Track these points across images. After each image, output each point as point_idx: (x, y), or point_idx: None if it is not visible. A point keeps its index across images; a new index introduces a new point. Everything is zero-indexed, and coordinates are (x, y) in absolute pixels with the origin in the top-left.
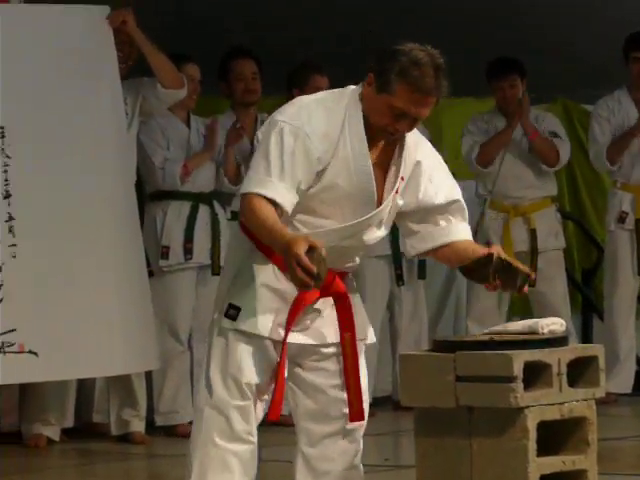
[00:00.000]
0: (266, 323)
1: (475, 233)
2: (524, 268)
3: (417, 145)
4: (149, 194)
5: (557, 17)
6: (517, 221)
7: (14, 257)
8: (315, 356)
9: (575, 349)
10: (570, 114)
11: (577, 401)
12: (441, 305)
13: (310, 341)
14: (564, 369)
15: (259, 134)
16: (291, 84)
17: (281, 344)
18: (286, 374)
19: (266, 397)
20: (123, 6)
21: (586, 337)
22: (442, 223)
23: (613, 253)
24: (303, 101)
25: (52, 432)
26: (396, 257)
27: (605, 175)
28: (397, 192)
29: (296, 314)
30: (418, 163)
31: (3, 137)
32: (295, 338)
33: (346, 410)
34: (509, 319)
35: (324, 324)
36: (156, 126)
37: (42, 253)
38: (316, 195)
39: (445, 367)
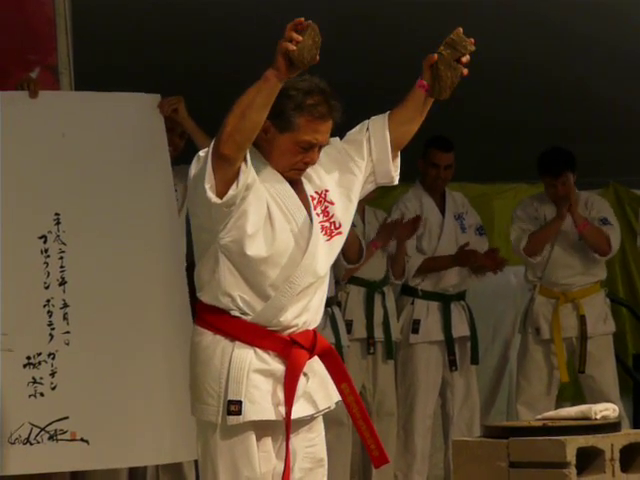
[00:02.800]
0: (268, 406)
1: (525, 319)
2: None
3: (317, 170)
4: None
5: (612, 100)
6: (566, 307)
7: (67, 344)
8: (307, 425)
9: (628, 435)
10: (622, 199)
11: None
12: (494, 390)
13: (308, 412)
14: (617, 455)
15: (190, 209)
16: None
17: (283, 423)
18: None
19: None
20: (174, 95)
21: (637, 422)
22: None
23: None
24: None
25: None
26: (449, 342)
27: None
28: (315, 209)
29: (294, 386)
30: (310, 177)
31: (59, 224)
32: (295, 414)
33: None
34: (559, 404)
35: (315, 390)
36: None
37: (94, 340)
38: (264, 255)
39: (498, 453)
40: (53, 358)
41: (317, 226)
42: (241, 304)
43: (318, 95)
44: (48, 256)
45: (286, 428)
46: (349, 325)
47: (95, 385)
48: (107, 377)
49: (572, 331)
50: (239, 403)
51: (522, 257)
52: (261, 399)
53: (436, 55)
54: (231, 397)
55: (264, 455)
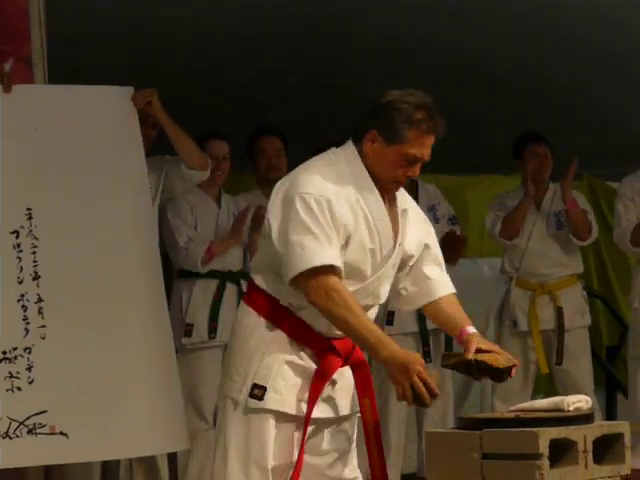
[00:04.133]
0: (292, 400)
1: (501, 311)
2: (504, 361)
3: (400, 193)
4: (177, 271)
5: (585, 91)
6: (543, 299)
7: (43, 338)
8: (321, 434)
9: (601, 426)
10: (596, 192)
11: (603, 478)
12: (467, 383)
13: (327, 414)
14: (590, 446)
15: (269, 216)
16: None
17: (302, 419)
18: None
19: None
20: (147, 87)
21: (610, 414)
22: (417, 276)
23: (637, 330)
24: (308, 170)
25: None
26: (423, 334)
27: (631, 252)
28: (400, 244)
29: (321, 387)
30: (404, 212)
31: (31, 218)
32: (315, 413)
33: None
34: (533, 397)
35: (340, 395)
36: (185, 204)
37: (71, 334)
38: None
39: (471, 445)
40: (29, 352)
41: (398, 252)
42: (292, 299)
43: (426, 110)
44: (21, 251)
45: (304, 426)
46: None
47: (73, 378)
48: (85, 370)
49: (549, 323)
50: (264, 389)
51: (499, 242)
52: (286, 391)
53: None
54: (258, 381)
55: (282, 446)
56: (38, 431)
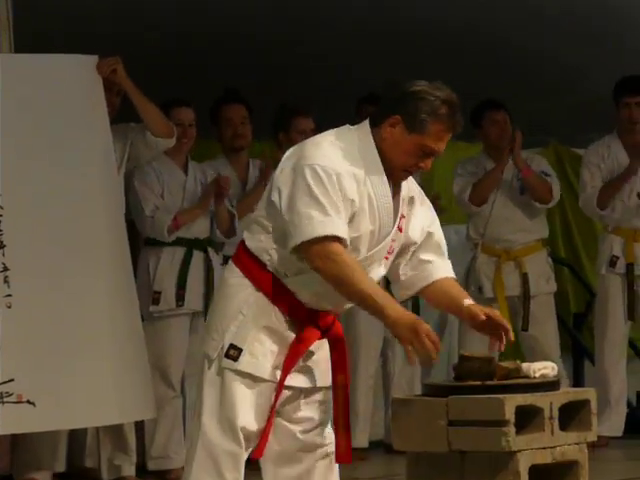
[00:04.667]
0: (267, 365)
1: (467, 277)
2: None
3: (408, 180)
4: (143, 239)
5: (557, 57)
6: (509, 265)
7: (9, 307)
8: (296, 402)
9: (567, 393)
10: (562, 159)
11: (569, 445)
12: None
13: (302, 384)
14: (556, 413)
15: (278, 184)
16: (276, 128)
17: (275, 385)
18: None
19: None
20: (111, 55)
21: (577, 381)
22: (417, 261)
23: (604, 297)
24: (320, 143)
25: (44, 477)
26: None
27: (597, 220)
28: (400, 230)
29: (297, 357)
30: (411, 199)
31: None
32: (289, 381)
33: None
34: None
35: (316, 366)
36: (151, 172)
37: (37, 303)
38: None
39: (437, 411)
40: None
41: (395, 238)
42: (279, 266)
43: (451, 106)
44: None
45: (276, 394)
46: None
47: (39, 347)
48: (51, 339)
49: (514, 289)
50: (239, 350)
51: (466, 208)
52: (262, 356)
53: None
54: (234, 341)
55: (259, 408)
56: (5, 400)
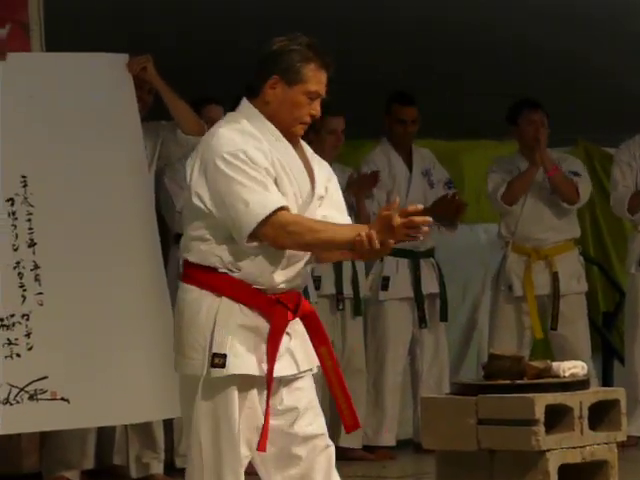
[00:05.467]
0: (253, 361)
1: (497, 275)
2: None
3: (318, 160)
4: (173, 235)
5: (584, 58)
6: (539, 264)
7: (41, 305)
8: (278, 393)
9: (597, 392)
10: (592, 157)
11: (598, 444)
12: (463, 348)
13: (289, 371)
14: (586, 412)
15: (194, 189)
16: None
17: (264, 379)
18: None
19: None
20: (142, 54)
21: (606, 381)
22: (320, 217)
23: (634, 296)
24: (214, 134)
25: (73, 474)
26: (418, 299)
27: (627, 218)
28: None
29: (278, 344)
30: (312, 155)
31: (26, 186)
32: (276, 371)
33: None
34: None
35: (297, 350)
36: (182, 169)
37: (69, 300)
38: None
39: (467, 410)
40: (27, 319)
41: (318, 191)
42: (229, 263)
43: (317, 48)
44: (16, 218)
45: (267, 385)
46: (317, 281)
47: (72, 344)
48: (84, 336)
49: (544, 289)
50: (224, 356)
51: (499, 207)
52: (245, 354)
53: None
54: (216, 350)
55: (249, 412)
56: (39, 397)
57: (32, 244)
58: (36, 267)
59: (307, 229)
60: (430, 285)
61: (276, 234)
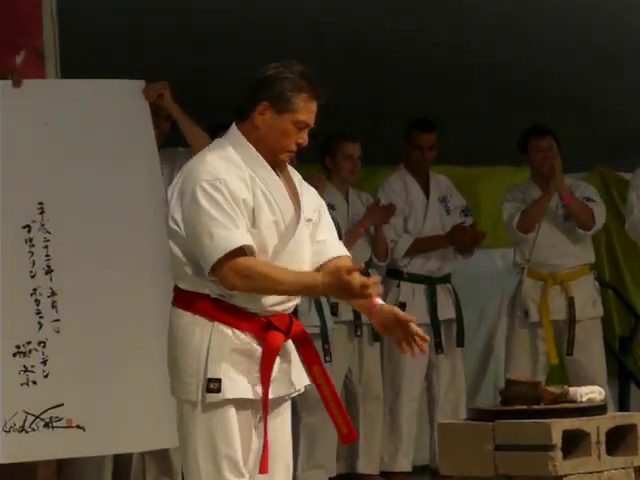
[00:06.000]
0: (247, 385)
1: (513, 301)
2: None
3: (307, 187)
4: None
5: (601, 83)
6: (555, 289)
7: (58, 332)
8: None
9: (614, 417)
10: (607, 182)
11: (616, 469)
12: (480, 374)
13: (284, 391)
14: (603, 437)
15: (172, 215)
16: (323, 153)
17: (258, 402)
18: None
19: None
20: (159, 79)
21: (623, 405)
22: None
23: None
24: (198, 160)
25: None
26: (435, 325)
27: None
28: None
29: (271, 367)
30: (300, 180)
31: (42, 213)
32: (273, 392)
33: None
34: None
35: (290, 371)
36: None
37: (86, 328)
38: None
39: (484, 436)
40: (44, 346)
41: (305, 211)
42: (218, 289)
43: (309, 78)
44: (33, 245)
45: (263, 407)
46: (335, 307)
47: (89, 372)
48: (100, 364)
49: (560, 314)
50: (219, 381)
51: (514, 235)
52: (240, 378)
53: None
54: (211, 375)
55: (244, 434)
56: (55, 424)
57: (49, 271)
58: (53, 294)
59: (262, 276)
60: (447, 311)
61: (229, 277)
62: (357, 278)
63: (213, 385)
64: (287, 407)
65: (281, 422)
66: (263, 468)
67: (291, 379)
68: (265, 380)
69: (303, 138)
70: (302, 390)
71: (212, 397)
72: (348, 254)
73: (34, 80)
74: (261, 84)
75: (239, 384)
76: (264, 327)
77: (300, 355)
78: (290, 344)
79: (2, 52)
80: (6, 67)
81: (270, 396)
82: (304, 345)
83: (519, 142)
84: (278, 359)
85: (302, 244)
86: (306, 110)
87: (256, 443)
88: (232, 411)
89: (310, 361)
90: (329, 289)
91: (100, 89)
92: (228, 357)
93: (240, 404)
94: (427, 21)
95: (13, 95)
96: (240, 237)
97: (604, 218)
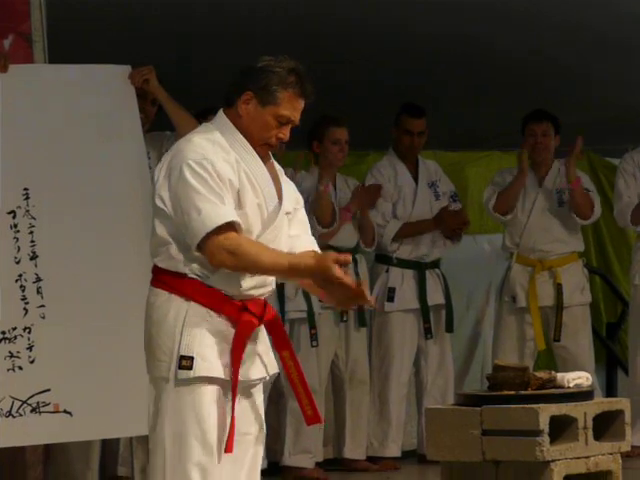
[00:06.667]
0: (219, 365)
1: (501, 286)
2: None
3: (287, 180)
4: None
5: (589, 69)
6: (543, 275)
7: (43, 318)
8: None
9: (601, 403)
10: (595, 168)
11: (603, 455)
12: (468, 359)
13: (257, 375)
14: (590, 423)
15: (160, 192)
16: (311, 137)
17: (229, 383)
18: None
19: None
20: (146, 64)
21: (610, 391)
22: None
23: (638, 307)
24: (186, 140)
25: None
26: (424, 310)
27: (630, 229)
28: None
29: (242, 349)
30: (280, 171)
31: (28, 198)
32: (243, 374)
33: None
34: None
35: (263, 355)
36: None
37: (71, 313)
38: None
39: (471, 421)
40: (29, 332)
41: (285, 202)
42: (197, 269)
43: (299, 75)
44: (18, 231)
45: (232, 389)
46: None
47: (75, 357)
48: (86, 349)
49: (548, 300)
50: (191, 359)
51: (494, 217)
52: (212, 357)
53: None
54: (183, 352)
55: (218, 413)
56: (42, 410)
57: (34, 257)
58: (38, 280)
59: (249, 255)
60: (436, 296)
61: (216, 253)
62: (338, 269)
63: (185, 362)
64: (258, 390)
65: (251, 405)
66: (228, 447)
67: (264, 363)
68: (235, 361)
69: (284, 134)
70: (274, 375)
71: (183, 374)
72: (318, 249)
73: (20, 65)
74: (249, 74)
75: (211, 363)
76: (239, 310)
77: (272, 339)
78: (262, 329)
79: None
80: None
81: (240, 378)
82: (276, 330)
83: (522, 125)
84: (251, 343)
85: (281, 232)
86: (289, 106)
87: (225, 423)
88: (203, 389)
89: (280, 346)
90: (310, 270)
91: (86, 74)
92: (202, 336)
93: (212, 383)
94: (416, 6)
95: (0, 80)
96: (229, 213)
97: (600, 209)
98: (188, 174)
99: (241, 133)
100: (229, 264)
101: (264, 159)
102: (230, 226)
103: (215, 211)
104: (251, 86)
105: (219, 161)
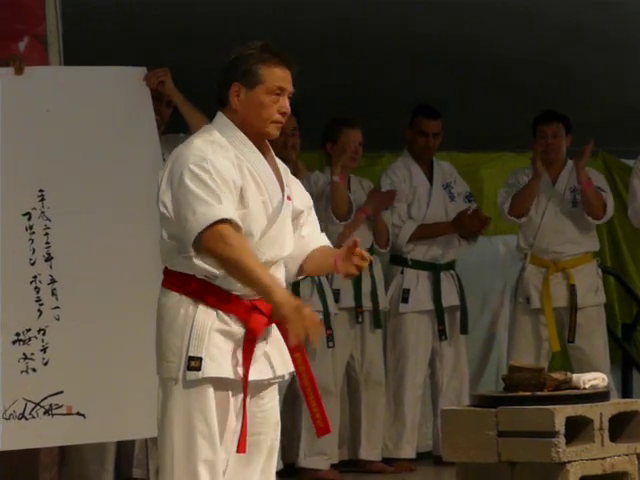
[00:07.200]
0: (228, 365)
1: (516, 287)
2: None
3: (295, 180)
4: None
5: (604, 70)
6: (557, 276)
7: (57, 319)
8: (253, 398)
9: (617, 404)
10: (610, 169)
11: (619, 456)
12: (483, 360)
13: (264, 375)
14: (606, 424)
15: (162, 199)
16: (325, 139)
17: (240, 383)
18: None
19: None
20: (160, 67)
21: (626, 392)
22: (299, 237)
23: None
24: (185, 145)
25: None
26: (439, 312)
27: None
28: (289, 198)
29: (252, 349)
30: (285, 170)
31: (43, 200)
32: (252, 375)
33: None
34: None
35: (273, 355)
36: None
37: (85, 315)
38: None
39: (487, 422)
40: (43, 334)
41: (295, 201)
42: (205, 270)
43: (271, 48)
44: (33, 232)
45: (244, 389)
46: (336, 294)
47: (88, 359)
48: (100, 351)
49: (562, 301)
50: (199, 360)
51: (508, 220)
52: (221, 358)
53: None
54: (192, 353)
55: (221, 413)
56: (55, 412)
57: (49, 258)
58: (53, 281)
59: (239, 251)
60: (450, 297)
61: (210, 238)
62: (311, 316)
63: (194, 363)
64: (272, 391)
65: (264, 405)
66: (241, 447)
67: (274, 364)
68: (246, 362)
69: (284, 106)
70: (286, 377)
71: (192, 375)
72: (330, 245)
73: (36, 67)
74: (229, 69)
75: (220, 364)
76: (248, 310)
77: (285, 340)
78: (275, 328)
79: (5, 39)
80: (9, 54)
81: (251, 378)
82: (287, 330)
83: (532, 126)
84: (263, 343)
85: (284, 229)
86: (275, 77)
87: (236, 424)
88: (211, 390)
89: (293, 347)
90: (283, 299)
91: (102, 76)
92: (211, 337)
93: (220, 384)
94: (429, 8)
95: (15, 82)
96: (222, 211)
97: (613, 209)
98: (187, 179)
99: (241, 128)
100: (216, 251)
101: (266, 154)
102: (226, 222)
103: (208, 211)
104: (234, 77)
105: (220, 160)
